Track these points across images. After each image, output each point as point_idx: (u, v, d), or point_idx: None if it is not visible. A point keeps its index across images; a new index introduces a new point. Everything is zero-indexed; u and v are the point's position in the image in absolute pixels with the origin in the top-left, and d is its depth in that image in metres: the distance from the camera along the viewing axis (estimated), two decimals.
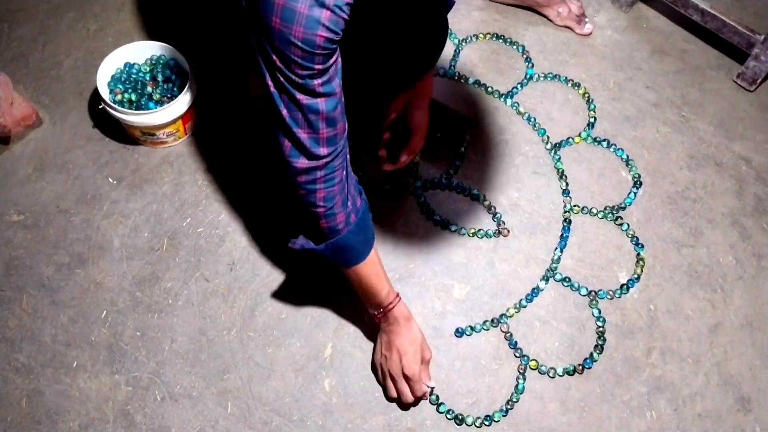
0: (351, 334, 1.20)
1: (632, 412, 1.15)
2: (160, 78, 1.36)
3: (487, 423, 1.13)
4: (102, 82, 1.32)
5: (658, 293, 1.26)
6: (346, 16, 0.81)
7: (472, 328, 1.21)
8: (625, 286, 1.26)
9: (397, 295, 1.09)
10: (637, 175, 1.39)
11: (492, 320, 1.22)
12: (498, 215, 1.33)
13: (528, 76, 1.51)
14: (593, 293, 1.25)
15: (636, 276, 1.28)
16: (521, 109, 1.46)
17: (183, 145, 1.39)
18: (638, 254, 1.30)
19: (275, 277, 1.25)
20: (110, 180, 1.34)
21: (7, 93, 1.34)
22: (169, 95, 1.35)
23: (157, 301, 1.22)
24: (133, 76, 1.35)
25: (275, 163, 0.98)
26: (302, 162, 0.91)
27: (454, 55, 1.54)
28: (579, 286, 1.26)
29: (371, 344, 1.19)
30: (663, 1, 1.58)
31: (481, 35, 1.57)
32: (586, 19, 1.58)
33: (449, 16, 1.25)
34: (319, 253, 1.02)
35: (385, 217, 1.32)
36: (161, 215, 1.30)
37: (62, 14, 1.56)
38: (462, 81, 1.50)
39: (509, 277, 1.27)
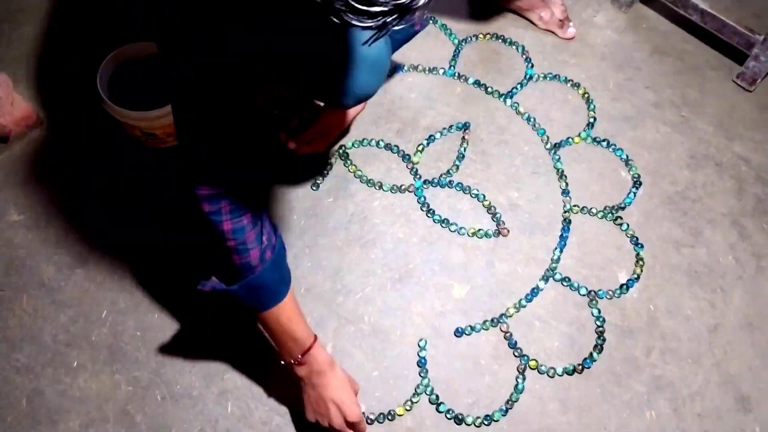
0: (351, 334, 1.20)
1: (632, 412, 1.15)
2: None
3: (486, 423, 1.13)
4: (102, 81, 1.32)
5: (657, 293, 1.26)
6: None
7: (472, 328, 1.21)
8: (624, 286, 1.26)
9: (316, 337, 1.00)
10: (636, 175, 1.39)
11: (492, 320, 1.22)
12: (498, 215, 1.33)
13: (528, 76, 1.51)
14: (593, 293, 1.25)
15: (636, 276, 1.28)
16: (521, 109, 1.47)
17: None
18: (638, 254, 1.30)
19: None
20: (110, 180, 1.34)
21: (7, 93, 1.35)
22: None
23: (157, 301, 1.22)
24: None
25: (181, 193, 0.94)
26: (204, 189, 0.86)
27: (454, 55, 1.54)
28: (578, 285, 1.26)
29: (371, 344, 1.19)
30: (662, 2, 1.58)
31: (481, 35, 1.58)
32: (570, 23, 1.58)
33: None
34: (234, 295, 0.92)
35: (385, 217, 1.32)
36: (162, 215, 1.30)
37: (63, 15, 1.57)
38: (462, 81, 1.51)
39: (509, 276, 1.27)
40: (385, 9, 0.55)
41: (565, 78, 1.51)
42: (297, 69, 1.02)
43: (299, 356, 0.98)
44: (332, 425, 1.01)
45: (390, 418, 1.13)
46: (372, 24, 0.56)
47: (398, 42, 1.19)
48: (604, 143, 1.43)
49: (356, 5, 0.54)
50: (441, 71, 1.52)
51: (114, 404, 1.13)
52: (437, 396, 1.15)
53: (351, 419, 1.00)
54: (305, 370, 0.99)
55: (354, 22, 0.55)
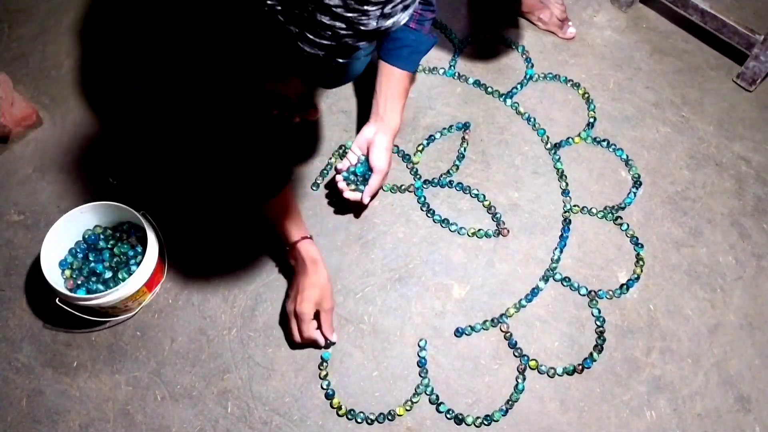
0: (351, 333, 1.20)
1: (632, 412, 1.15)
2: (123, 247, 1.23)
3: (486, 423, 1.13)
4: (51, 263, 1.18)
5: (657, 293, 1.26)
6: None
7: (472, 328, 1.21)
8: (624, 286, 1.26)
9: (310, 237, 1.17)
10: (636, 175, 1.39)
11: (492, 320, 1.22)
12: (498, 215, 1.33)
13: (528, 76, 1.51)
14: (593, 293, 1.25)
15: (635, 276, 1.28)
16: (521, 109, 1.47)
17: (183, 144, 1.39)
18: (638, 254, 1.30)
19: (275, 277, 1.25)
20: (110, 179, 1.34)
21: (7, 93, 1.35)
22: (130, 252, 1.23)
23: (157, 301, 1.22)
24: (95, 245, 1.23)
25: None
26: None
27: (454, 55, 1.54)
28: (578, 285, 1.26)
29: (371, 344, 1.19)
30: (662, 2, 1.58)
31: (481, 35, 1.57)
32: (570, 23, 1.58)
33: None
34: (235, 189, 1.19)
35: (385, 217, 1.32)
36: (162, 214, 1.30)
37: (62, 14, 1.57)
38: (462, 81, 1.51)
39: (509, 276, 1.27)
40: (332, 44, 0.65)
41: (565, 78, 1.51)
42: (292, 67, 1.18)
43: (287, 248, 1.17)
44: (287, 308, 1.16)
45: (390, 418, 1.13)
46: (319, 54, 0.66)
47: (421, 53, 1.25)
48: (604, 143, 1.43)
49: (308, 35, 0.64)
50: (441, 71, 1.51)
51: (114, 404, 1.13)
52: (437, 396, 1.15)
53: (297, 309, 1.12)
54: (294, 258, 1.17)
55: (306, 50, 0.66)
